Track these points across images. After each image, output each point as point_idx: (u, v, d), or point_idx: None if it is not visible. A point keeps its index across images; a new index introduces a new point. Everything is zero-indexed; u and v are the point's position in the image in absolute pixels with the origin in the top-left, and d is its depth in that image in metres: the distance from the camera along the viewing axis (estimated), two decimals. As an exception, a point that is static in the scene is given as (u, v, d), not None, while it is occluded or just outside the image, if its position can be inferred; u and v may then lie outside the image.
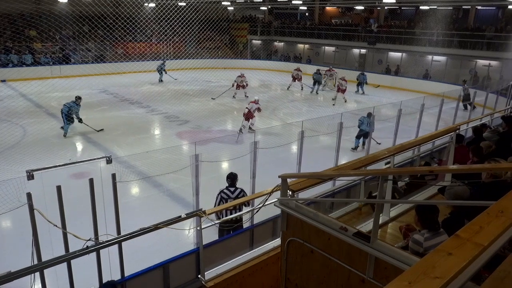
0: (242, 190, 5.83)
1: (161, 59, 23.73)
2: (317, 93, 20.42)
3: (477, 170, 3.92)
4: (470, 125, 9.36)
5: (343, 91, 18.06)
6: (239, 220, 5.48)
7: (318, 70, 20.96)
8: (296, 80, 20.63)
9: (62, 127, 11.85)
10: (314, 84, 20.53)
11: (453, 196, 3.70)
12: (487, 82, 19.25)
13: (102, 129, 12.31)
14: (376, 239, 2.72)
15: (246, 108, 12.81)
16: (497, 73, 20.50)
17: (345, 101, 18.05)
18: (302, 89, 20.69)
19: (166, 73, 22.03)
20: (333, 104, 17.44)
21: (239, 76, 18.45)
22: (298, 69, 20.89)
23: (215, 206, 5.66)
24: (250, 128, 12.70)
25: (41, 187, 4.15)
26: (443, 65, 22.78)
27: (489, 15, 24.21)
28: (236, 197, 5.69)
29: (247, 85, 18.60)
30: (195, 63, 23.70)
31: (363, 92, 20.76)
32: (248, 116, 12.62)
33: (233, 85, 18.33)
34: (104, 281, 4.11)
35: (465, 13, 24.76)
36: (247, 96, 17.92)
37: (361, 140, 11.06)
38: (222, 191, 5.83)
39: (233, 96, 18.20)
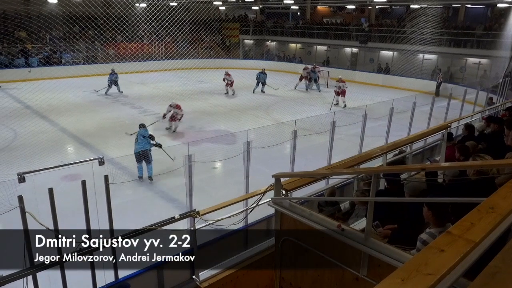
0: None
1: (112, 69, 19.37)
2: (253, 92, 19.64)
3: (467, 167, 3.95)
4: (461, 122, 9.44)
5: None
6: None
7: (263, 70, 20.39)
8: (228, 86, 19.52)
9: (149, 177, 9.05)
10: (257, 84, 19.88)
11: (411, 189, 3.83)
12: (481, 80, 19.49)
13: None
14: (370, 237, 2.74)
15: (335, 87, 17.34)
16: (481, 70, 20.84)
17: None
18: (231, 93, 19.43)
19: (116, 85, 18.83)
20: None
21: (226, 74, 19.19)
22: (227, 74, 19.53)
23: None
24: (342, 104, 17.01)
25: (32, 190, 4.12)
26: (434, 64, 22.96)
27: (479, 14, 24.44)
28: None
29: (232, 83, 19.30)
30: (187, 63, 23.62)
31: (262, 91, 19.90)
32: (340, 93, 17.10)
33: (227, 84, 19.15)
34: (98, 284, 4.09)
35: (455, 11, 24.98)
36: (234, 93, 19.17)
37: None
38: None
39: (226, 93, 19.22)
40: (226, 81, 19.33)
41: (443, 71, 22.36)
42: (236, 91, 19.39)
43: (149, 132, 9.25)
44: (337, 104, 17.29)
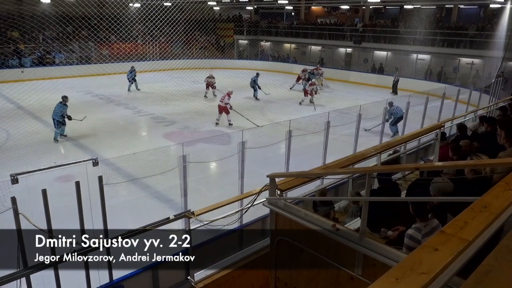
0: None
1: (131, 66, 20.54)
2: None
3: (461, 167, 3.98)
4: (455, 122, 9.51)
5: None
6: None
7: (258, 73, 19.11)
8: (210, 87, 18.75)
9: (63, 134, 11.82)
10: (255, 89, 18.71)
11: (437, 190, 3.75)
12: (474, 80, 19.65)
13: (85, 117, 12.40)
14: (364, 237, 2.75)
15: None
16: (474, 70, 21.01)
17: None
18: (212, 96, 18.59)
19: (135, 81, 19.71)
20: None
21: (208, 77, 18.57)
22: (211, 76, 18.77)
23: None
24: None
25: (26, 191, 4.09)
26: (427, 64, 23.10)
27: (471, 14, 24.66)
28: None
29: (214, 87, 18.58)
30: (182, 63, 23.57)
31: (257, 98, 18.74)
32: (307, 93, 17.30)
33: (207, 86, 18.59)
34: (92, 285, 4.07)
35: (448, 12, 25.17)
36: (216, 95, 18.04)
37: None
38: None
39: (205, 96, 18.45)
40: (208, 82, 18.56)
41: (436, 70, 22.57)
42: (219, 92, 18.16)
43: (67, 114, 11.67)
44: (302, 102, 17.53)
